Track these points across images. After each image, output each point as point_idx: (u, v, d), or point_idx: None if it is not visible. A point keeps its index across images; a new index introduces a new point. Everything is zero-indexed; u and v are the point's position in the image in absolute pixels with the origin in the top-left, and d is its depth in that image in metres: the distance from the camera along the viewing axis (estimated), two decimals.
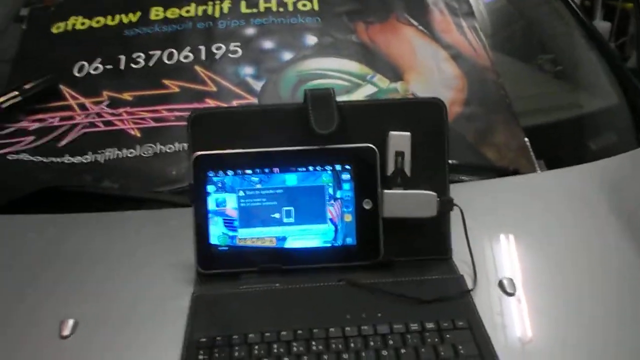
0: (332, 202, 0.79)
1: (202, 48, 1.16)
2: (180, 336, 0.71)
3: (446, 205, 0.80)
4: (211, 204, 0.79)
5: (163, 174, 1.01)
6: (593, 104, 1.27)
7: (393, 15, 1.24)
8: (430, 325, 0.70)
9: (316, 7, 1.23)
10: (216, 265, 0.79)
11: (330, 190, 0.79)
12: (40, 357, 0.72)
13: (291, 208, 0.79)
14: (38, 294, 0.79)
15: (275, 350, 0.68)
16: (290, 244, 0.79)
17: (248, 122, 0.81)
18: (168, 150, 1.03)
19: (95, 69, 1.14)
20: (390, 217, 0.79)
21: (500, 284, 0.79)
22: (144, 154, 1.03)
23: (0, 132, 1.07)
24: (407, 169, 0.79)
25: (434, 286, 0.77)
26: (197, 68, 1.13)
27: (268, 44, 1.18)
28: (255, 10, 1.22)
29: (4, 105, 1.08)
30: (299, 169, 0.79)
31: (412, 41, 1.21)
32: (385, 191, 0.79)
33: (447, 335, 0.69)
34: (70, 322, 0.74)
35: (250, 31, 1.20)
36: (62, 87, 1.12)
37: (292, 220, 0.79)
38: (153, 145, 1.04)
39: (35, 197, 0.95)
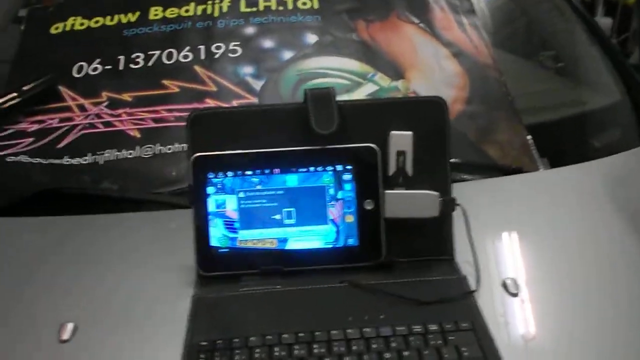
0: (334, 202, 0.78)
1: (202, 48, 1.15)
2: (181, 339, 0.71)
3: (448, 205, 0.79)
4: (211, 206, 0.78)
5: (163, 175, 1.00)
6: (596, 101, 1.26)
7: (394, 13, 1.23)
8: (433, 327, 0.70)
9: (316, 6, 1.22)
10: (217, 267, 0.78)
11: (332, 191, 0.78)
12: None
13: (292, 209, 0.78)
14: (37, 298, 0.79)
15: (276, 354, 0.68)
16: (292, 245, 0.79)
17: (248, 122, 0.81)
18: (168, 151, 1.02)
19: (94, 69, 1.14)
20: (392, 217, 0.78)
21: (504, 285, 0.78)
22: (144, 154, 1.02)
23: None
24: (409, 169, 0.79)
25: (436, 287, 0.76)
26: (197, 68, 1.12)
27: (268, 43, 1.17)
28: (254, 9, 1.21)
29: (2, 107, 1.08)
30: (300, 170, 0.78)
31: (413, 39, 1.20)
32: (387, 191, 0.78)
33: (451, 337, 0.69)
34: (70, 326, 0.73)
35: (249, 30, 1.19)
36: (61, 88, 1.11)
37: (293, 221, 0.78)
38: (153, 146, 1.03)
39: (34, 199, 0.95)
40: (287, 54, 1.16)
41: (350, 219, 0.79)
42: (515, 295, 0.76)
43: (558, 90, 1.33)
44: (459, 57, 1.17)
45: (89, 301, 0.77)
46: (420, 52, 1.19)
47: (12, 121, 1.08)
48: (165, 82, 1.11)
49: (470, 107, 1.11)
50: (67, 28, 1.20)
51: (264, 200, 0.78)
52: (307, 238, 0.79)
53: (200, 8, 1.21)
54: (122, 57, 1.15)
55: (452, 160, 0.82)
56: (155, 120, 1.07)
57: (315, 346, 0.68)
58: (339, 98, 0.80)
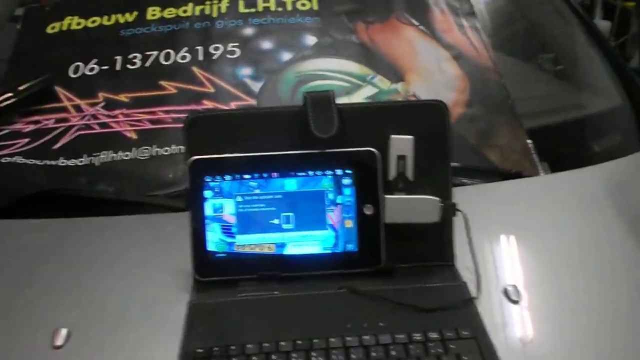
0: (333, 207, 0.77)
1: (200, 48, 1.14)
2: (177, 346, 0.69)
3: (449, 210, 0.78)
4: (208, 210, 0.77)
5: (159, 177, 0.99)
6: (596, 105, 1.25)
7: (393, 15, 1.22)
8: (433, 335, 0.68)
9: (315, 7, 1.21)
10: (213, 272, 0.77)
11: (331, 196, 0.77)
12: None
13: (290, 214, 0.77)
14: (30, 302, 0.77)
15: None
16: (290, 250, 0.77)
17: (246, 125, 0.79)
18: (165, 153, 1.01)
19: (91, 69, 1.12)
20: (392, 222, 0.77)
21: (505, 292, 0.77)
22: (140, 156, 1.01)
23: None
24: (409, 174, 0.77)
25: (436, 294, 0.75)
26: (195, 69, 1.11)
27: (267, 44, 1.16)
28: (253, 10, 1.20)
29: None
30: (299, 174, 0.77)
31: (413, 41, 1.19)
32: (387, 196, 0.77)
33: (451, 346, 0.67)
34: (63, 331, 0.72)
35: (248, 31, 1.18)
36: (57, 88, 1.10)
37: (291, 226, 0.77)
38: (149, 148, 1.02)
39: (29, 201, 0.94)
40: (286, 56, 1.15)
41: (350, 224, 0.77)
42: (516, 302, 0.75)
43: (557, 94, 1.33)
44: (459, 59, 1.16)
45: (83, 306, 0.76)
46: (420, 54, 1.18)
47: (7, 121, 1.07)
48: (163, 83, 1.10)
49: (470, 111, 1.10)
50: (64, 28, 1.19)
51: (262, 205, 0.77)
52: (305, 243, 0.77)
53: (198, 8, 1.20)
54: (119, 58, 1.13)
55: (452, 164, 0.81)
56: (152, 121, 1.05)
57: (313, 354, 0.67)
58: (338, 101, 0.79)
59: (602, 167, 1.01)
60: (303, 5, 1.21)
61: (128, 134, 1.04)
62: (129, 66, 1.12)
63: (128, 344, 0.71)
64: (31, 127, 1.06)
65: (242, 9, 1.20)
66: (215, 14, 1.19)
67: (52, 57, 1.16)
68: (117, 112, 1.06)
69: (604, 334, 0.72)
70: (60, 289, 0.79)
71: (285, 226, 0.77)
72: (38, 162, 1.01)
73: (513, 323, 0.74)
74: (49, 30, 1.19)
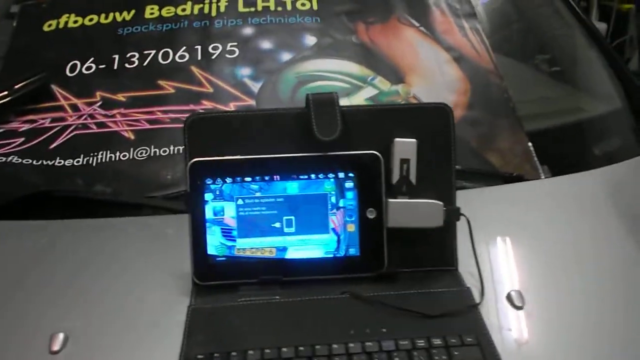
0: (335, 211, 0.76)
1: (199, 48, 1.13)
2: (177, 351, 0.68)
3: (453, 214, 0.77)
4: (208, 213, 0.75)
5: (158, 178, 0.97)
6: (596, 108, 1.25)
7: (394, 15, 1.21)
8: (437, 342, 0.68)
9: (315, 7, 1.20)
10: (213, 276, 0.76)
11: (333, 199, 0.76)
12: None
13: (292, 217, 0.76)
14: (26, 306, 0.76)
15: None
16: (291, 254, 0.76)
17: (247, 127, 0.78)
18: (163, 154, 1.00)
19: (88, 68, 1.11)
20: (395, 227, 0.76)
21: (508, 297, 0.76)
22: (138, 157, 1.00)
23: None
24: (413, 177, 0.76)
25: (440, 299, 0.74)
26: (193, 68, 1.10)
27: (266, 44, 1.15)
28: (252, 9, 1.19)
29: None
30: (301, 177, 0.76)
31: (413, 42, 1.18)
32: (390, 200, 0.76)
33: (455, 352, 0.66)
34: (61, 336, 0.70)
35: (247, 31, 1.16)
36: (53, 86, 1.09)
37: (293, 229, 0.76)
38: (147, 148, 1.00)
39: (25, 202, 0.92)
40: (286, 56, 1.14)
41: (352, 228, 0.76)
42: (520, 308, 0.74)
43: (557, 97, 1.32)
44: (460, 61, 1.15)
45: (80, 310, 0.75)
46: (420, 56, 1.17)
47: (2, 120, 1.05)
48: (161, 82, 1.08)
49: (471, 113, 1.09)
50: (61, 25, 1.17)
51: (264, 208, 0.76)
52: (307, 247, 0.76)
53: (197, 7, 1.19)
54: (116, 56, 1.12)
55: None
56: (150, 121, 1.04)
57: None
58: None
59: (604, 170, 1.01)
60: (303, 5, 1.20)
61: (125, 134, 1.02)
62: (126, 65, 1.11)
63: (127, 349, 0.70)
64: (27, 126, 1.05)
65: (241, 8, 1.19)
66: (214, 13, 1.18)
67: (49, 55, 1.14)
68: (114, 111, 1.05)
69: (609, 339, 0.71)
70: (57, 293, 0.78)
71: (286, 230, 0.76)
72: (34, 162, 1.00)
73: (517, 329, 0.73)
74: (45, 28, 1.18)
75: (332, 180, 0.76)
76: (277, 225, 0.76)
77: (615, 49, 2.66)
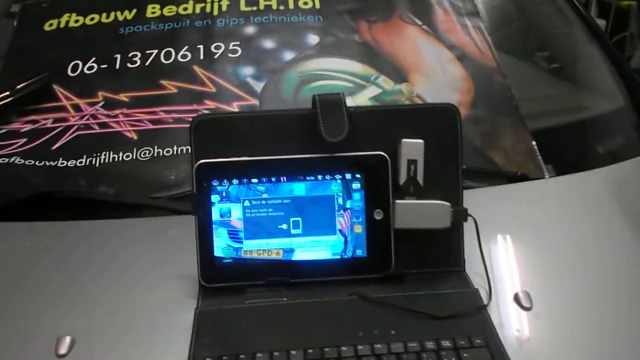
0: (342, 212, 0.76)
1: (201, 47, 1.12)
2: (185, 354, 0.68)
3: (460, 215, 0.77)
4: (215, 215, 0.75)
5: (161, 179, 0.97)
6: (599, 106, 1.24)
7: (396, 14, 1.20)
8: (446, 344, 0.67)
9: (317, 6, 1.19)
10: (220, 278, 0.75)
11: (340, 200, 0.76)
12: None
13: (299, 219, 0.76)
14: (31, 309, 0.75)
15: None
16: (298, 256, 0.76)
17: (253, 128, 0.78)
18: (166, 154, 0.99)
19: (90, 68, 1.10)
20: (402, 228, 0.76)
21: (516, 298, 0.76)
22: (141, 157, 0.99)
23: None
24: (420, 178, 0.76)
25: (448, 301, 0.74)
26: (196, 68, 1.09)
27: (268, 44, 1.14)
28: (255, 9, 1.18)
29: None
30: (308, 178, 0.75)
31: (416, 41, 1.18)
32: (397, 201, 0.76)
33: (465, 354, 0.66)
34: (67, 339, 0.70)
35: (250, 30, 1.16)
36: (55, 87, 1.08)
37: (299, 231, 0.76)
38: (150, 149, 1.00)
39: (28, 203, 0.91)
40: (289, 55, 1.13)
41: (359, 229, 0.76)
42: (528, 309, 0.74)
43: (559, 95, 1.32)
44: (463, 60, 1.15)
45: (86, 312, 0.74)
46: (423, 54, 1.16)
47: (3, 121, 1.04)
48: (163, 82, 1.08)
49: (475, 112, 1.09)
50: (62, 25, 1.17)
51: (270, 209, 0.75)
52: (314, 249, 0.76)
53: (199, 6, 1.18)
54: (118, 56, 1.11)
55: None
56: (152, 121, 1.03)
57: None
58: None
59: (610, 169, 1.01)
60: (305, 3, 1.19)
61: (128, 135, 1.02)
62: (128, 65, 1.10)
63: (134, 351, 0.70)
64: (29, 126, 1.04)
65: (243, 7, 1.18)
66: (216, 12, 1.17)
67: (50, 55, 1.13)
68: (117, 111, 1.04)
69: (617, 339, 0.71)
70: (62, 295, 0.77)
71: (293, 231, 0.76)
72: (36, 163, 0.99)
73: (525, 330, 0.73)
74: (46, 27, 1.17)
75: (339, 181, 0.76)
76: (284, 226, 0.76)
77: (615, 45, 2.66)
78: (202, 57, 1.11)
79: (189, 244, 0.77)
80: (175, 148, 0.99)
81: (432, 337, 0.68)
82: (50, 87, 1.08)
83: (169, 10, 1.18)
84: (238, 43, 1.13)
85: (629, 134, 1.16)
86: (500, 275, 0.79)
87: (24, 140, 1.02)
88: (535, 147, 1.04)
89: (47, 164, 0.99)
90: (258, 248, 0.76)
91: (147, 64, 1.10)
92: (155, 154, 0.99)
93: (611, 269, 0.81)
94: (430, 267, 0.78)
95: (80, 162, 0.99)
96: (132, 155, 0.99)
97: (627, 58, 2.43)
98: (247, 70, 1.10)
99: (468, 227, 0.79)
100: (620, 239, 0.85)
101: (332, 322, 0.71)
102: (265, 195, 0.75)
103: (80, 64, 1.11)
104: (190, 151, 0.77)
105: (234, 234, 0.75)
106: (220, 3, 1.19)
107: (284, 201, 0.75)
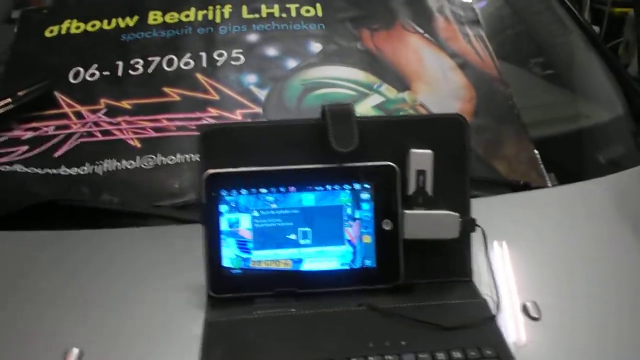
0: (351, 222, 0.76)
1: (203, 55, 1.12)
2: None
3: (468, 225, 0.77)
4: (224, 225, 0.75)
5: (165, 187, 0.96)
6: (599, 115, 1.25)
7: (398, 22, 1.21)
8: (457, 355, 0.67)
9: (320, 14, 1.19)
10: (229, 289, 0.75)
11: (349, 211, 0.76)
12: None
13: (308, 229, 0.75)
14: (38, 321, 0.75)
15: None
16: (307, 266, 0.76)
17: (262, 138, 0.78)
18: (169, 162, 0.99)
19: (92, 75, 1.09)
20: (411, 238, 0.76)
21: (524, 308, 0.76)
22: (144, 165, 0.98)
23: None
24: (429, 188, 0.76)
25: (456, 311, 0.74)
26: (199, 75, 1.09)
27: (271, 51, 1.14)
28: (257, 16, 1.18)
29: None
30: (317, 188, 0.75)
31: (418, 49, 1.18)
32: (406, 211, 0.76)
33: None
34: (75, 351, 0.69)
35: (252, 37, 1.15)
36: (56, 93, 1.07)
37: (308, 241, 0.76)
38: (154, 157, 0.99)
39: (30, 212, 0.91)
40: (291, 63, 1.13)
41: (368, 239, 0.76)
42: (536, 319, 0.74)
43: (558, 104, 1.32)
44: (464, 68, 1.15)
45: (94, 324, 0.74)
46: (426, 63, 1.17)
47: (5, 128, 1.04)
48: (166, 89, 1.07)
49: (477, 120, 1.09)
50: (63, 31, 1.16)
51: (279, 220, 0.75)
52: (322, 259, 0.76)
53: (200, 13, 1.18)
54: (120, 63, 1.11)
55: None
56: (155, 129, 1.03)
57: None
58: None
59: (613, 177, 1.01)
60: (307, 11, 1.19)
61: (131, 142, 1.01)
62: (130, 72, 1.10)
63: None
64: (30, 134, 1.03)
65: (245, 14, 1.18)
66: (218, 20, 1.17)
67: (51, 62, 1.13)
68: (119, 119, 1.04)
69: (628, 350, 0.71)
70: (67, 306, 0.76)
71: (302, 242, 0.76)
72: (39, 171, 0.98)
73: (534, 341, 0.73)
74: (47, 33, 1.16)
75: (348, 191, 0.76)
76: (293, 237, 0.75)
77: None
78: (204, 64, 1.11)
79: (195, 253, 0.76)
80: (178, 156, 0.99)
81: (442, 348, 0.68)
82: (52, 94, 1.07)
83: (171, 18, 1.17)
84: (241, 51, 1.13)
85: (632, 143, 1.17)
86: (507, 285, 0.79)
87: (26, 147, 1.01)
88: (538, 156, 1.05)
89: (50, 171, 0.98)
90: (267, 258, 0.75)
91: (149, 71, 1.10)
92: (159, 162, 0.99)
93: (617, 278, 0.81)
94: (438, 277, 0.78)
95: (83, 170, 0.98)
96: (136, 163, 0.99)
97: (624, 66, 2.45)
98: (250, 78, 1.10)
99: (473, 236, 0.79)
100: (626, 248, 0.86)
101: (342, 333, 0.71)
102: (274, 206, 0.75)
103: (82, 70, 1.10)
104: (198, 160, 0.77)
105: (242, 244, 0.75)
106: (222, 10, 1.18)
107: (293, 211, 0.75)
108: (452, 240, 0.77)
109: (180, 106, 1.05)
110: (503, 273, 0.80)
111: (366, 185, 0.76)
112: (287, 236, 0.75)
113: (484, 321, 0.72)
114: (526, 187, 0.99)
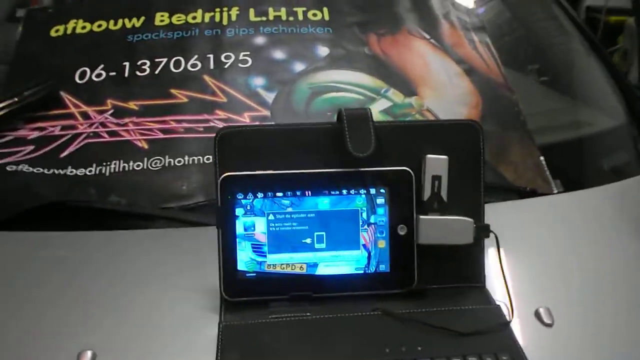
0: (366, 227, 0.76)
1: (211, 57, 1.11)
2: None
3: (482, 231, 0.78)
4: (239, 228, 0.74)
5: (173, 189, 0.96)
6: (602, 122, 1.26)
7: (404, 27, 1.21)
8: None
9: (327, 17, 1.19)
10: (243, 292, 0.75)
11: (364, 215, 0.76)
12: None
13: (323, 233, 0.75)
14: (50, 323, 0.74)
15: None
16: (322, 270, 0.76)
17: (278, 141, 0.77)
18: (177, 164, 0.98)
19: (98, 75, 1.09)
20: (426, 243, 0.76)
21: (537, 314, 0.76)
22: (152, 167, 0.98)
23: None
24: (444, 194, 0.76)
25: (471, 317, 0.74)
26: (206, 77, 1.09)
27: (278, 54, 1.14)
28: (264, 19, 1.18)
29: (0, 112, 1.02)
30: (332, 192, 0.75)
31: (424, 55, 1.19)
32: (421, 217, 0.76)
33: None
34: (89, 354, 0.69)
35: (259, 40, 1.15)
36: (62, 94, 1.06)
37: (323, 245, 0.75)
38: (162, 158, 0.99)
39: (37, 213, 0.90)
40: (299, 66, 1.13)
41: (383, 244, 0.76)
42: (549, 325, 0.75)
43: (561, 110, 1.33)
44: (470, 74, 1.16)
45: (107, 327, 0.73)
46: (432, 68, 1.17)
47: (10, 128, 1.03)
48: (173, 91, 1.07)
49: (483, 126, 1.09)
50: (69, 31, 1.15)
51: (295, 224, 0.75)
52: (337, 263, 0.76)
53: (208, 15, 1.17)
54: (127, 64, 1.10)
55: None
56: (163, 130, 1.02)
57: None
58: None
59: (620, 184, 1.02)
60: (314, 15, 1.19)
61: (139, 144, 1.01)
62: (137, 73, 1.09)
63: None
64: (36, 133, 1.03)
65: (252, 17, 1.18)
66: (225, 22, 1.17)
67: (57, 62, 1.12)
68: (126, 120, 1.03)
69: None
70: (78, 308, 0.76)
71: (317, 246, 0.75)
72: (45, 171, 0.97)
73: (548, 347, 0.73)
74: (52, 33, 1.15)
75: (363, 196, 0.76)
76: (308, 241, 0.75)
77: None
78: (212, 66, 1.10)
79: (205, 256, 0.76)
80: (186, 158, 0.99)
81: (459, 353, 0.68)
82: (58, 94, 1.06)
83: (178, 19, 1.17)
84: (248, 53, 1.12)
85: (634, 150, 1.18)
86: (519, 290, 0.79)
87: (32, 147, 1.01)
88: (544, 162, 1.05)
89: (56, 172, 0.98)
90: (282, 262, 0.75)
91: (156, 72, 1.09)
92: (167, 164, 0.98)
93: (629, 284, 0.82)
94: (452, 282, 0.78)
95: (90, 171, 0.97)
96: (143, 164, 0.98)
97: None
98: (258, 81, 1.09)
99: (486, 242, 0.79)
100: (638, 255, 0.86)
101: (358, 338, 0.71)
102: (289, 209, 0.75)
103: (88, 71, 1.09)
104: (207, 163, 0.76)
105: (257, 248, 0.75)
106: (230, 13, 1.18)
107: (309, 215, 0.75)
108: (466, 246, 0.77)
109: (188, 108, 1.05)
110: (515, 279, 0.80)
111: (382, 190, 0.76)
112: (303, 240, 0.75)
113: (499, 327, 0.73)
114: (533, 193, 1.00)
